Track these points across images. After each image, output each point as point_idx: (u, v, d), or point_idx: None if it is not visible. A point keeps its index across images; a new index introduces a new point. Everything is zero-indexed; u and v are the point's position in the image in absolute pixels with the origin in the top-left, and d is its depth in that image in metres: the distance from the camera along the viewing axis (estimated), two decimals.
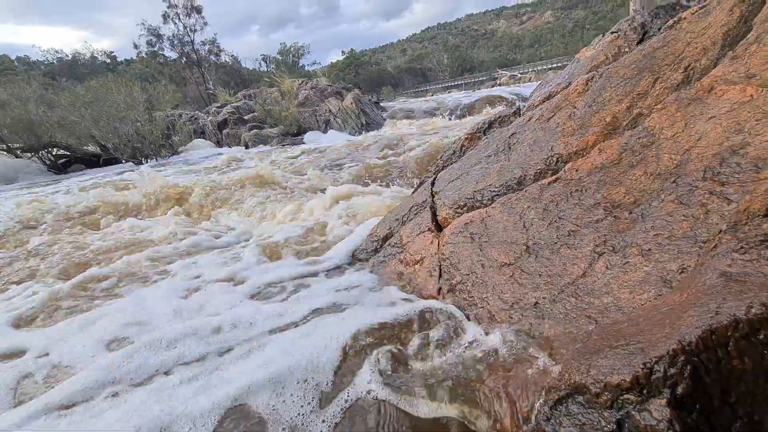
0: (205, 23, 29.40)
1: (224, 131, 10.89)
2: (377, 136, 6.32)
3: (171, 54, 31.04)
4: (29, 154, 10.01)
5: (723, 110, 0.81)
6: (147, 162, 9.46)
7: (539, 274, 0.94)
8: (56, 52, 56.63)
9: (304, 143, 9.15)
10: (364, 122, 9.50)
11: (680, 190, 0.81)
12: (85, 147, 10.31)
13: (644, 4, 16.56)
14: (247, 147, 9.80)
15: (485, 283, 1.04)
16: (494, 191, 1.25)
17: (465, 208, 1.33)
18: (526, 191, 1.13)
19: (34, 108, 9.67)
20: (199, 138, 11.60)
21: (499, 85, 34.21)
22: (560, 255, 0.93)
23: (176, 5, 28.22)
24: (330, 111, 9.96)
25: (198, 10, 28.86)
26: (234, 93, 20.23)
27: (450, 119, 8.69)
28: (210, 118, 11.68)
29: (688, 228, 0.75)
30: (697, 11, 1.09)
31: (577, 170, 1.03)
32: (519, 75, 33.12)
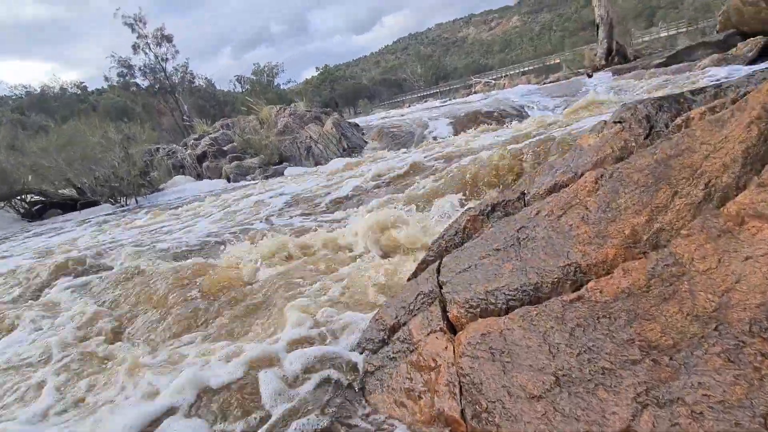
0: (177, 51, 29.15)
1: (204, 164, 10.73)
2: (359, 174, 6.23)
3: (144, 82, 30.64)
4: (0, 204, 9.66)
5: (760, 252, 0.76)
6: (127, 203, 9.23)
7: (576, 418, 0.88)
8: (24, 87, 55.35)
9: (283, 175, 9.05)
10: (345, 146, 9.47)
11: (725, 343, 0.76)
12: (60, 191, 10.01)
13: (608, 8, 16.98)
14: (228, 180, 9.65)
15: (516, 418, 0.97)
16: (509, 296, 1.20)
17: (478, 310, 1.26)
18: (546, 306, 1.07)
19: (4, 156, 9.37)
20: (179, 173, 11.40)
21: (475, 92, 34.74)
22: (597, 397, 0.87)
23: (146, 36, 27.92)
24: (311, 137, 9.90)
25: (168, 39, 28.63)
26: (211, 122, 20.04)
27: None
28: (188, 151, 11.51)
29: (743, 394, 0.70)
30: (705, 113, 1.06)
31: (601, 291, 0.97)
32: (493, 82, 33.66)
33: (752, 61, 8.17)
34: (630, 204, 1.03)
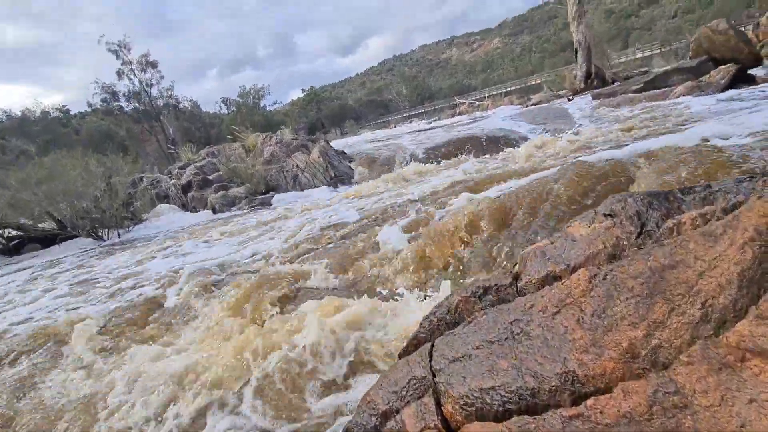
0: (162, 77, 29.18)
1: (189, 194, 10.60)
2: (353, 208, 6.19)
3: (128, 107, 30.52)
4: None
5: (764, 396, 0.74)
6: (109, 237, 9.01)
7: None
8: (4, 111, 54.63)
9: (271, 204, 8.99)
10: (333, 175, 9.46)
11: None
12: (40, 225, 9.75)
13: (585, 33, 17.49)
14: (214, 211, 9.53)
15: None
16: (505, 398, 1.16)
17: (473, 409, 1.22)
18: (545, 420, 1.03)
19: None
20: (164, 202, 11.23)
21: (459, 113, 35.39)
22: None
23: (131, 62, 27.93)
24: (297, 166, 9.88)
25: (153, 65, 28.68)
26: (196, 146, 19.96)
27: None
28: (173, 181, 11.37)
29: None
30: (697, 218, 1.05)
31: (602, 412, 0.94)
32: (477, 103, 34.34)
33: (725, 89, 8.47)
34: (626, 314, 1.01)
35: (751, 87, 8.26)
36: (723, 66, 9.16)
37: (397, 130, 33.39)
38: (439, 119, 37.68)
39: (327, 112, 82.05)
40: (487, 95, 54.23)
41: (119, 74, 29.18)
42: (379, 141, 15.55)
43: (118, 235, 9.04)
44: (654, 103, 8.92)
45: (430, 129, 17.61)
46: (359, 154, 11.07)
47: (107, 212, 8.99)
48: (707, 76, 9.38)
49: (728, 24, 10.85)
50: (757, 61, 10.83)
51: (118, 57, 28.10)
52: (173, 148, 25.94)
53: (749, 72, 9.04)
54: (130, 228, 9.37)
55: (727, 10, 56.43)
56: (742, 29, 13.18)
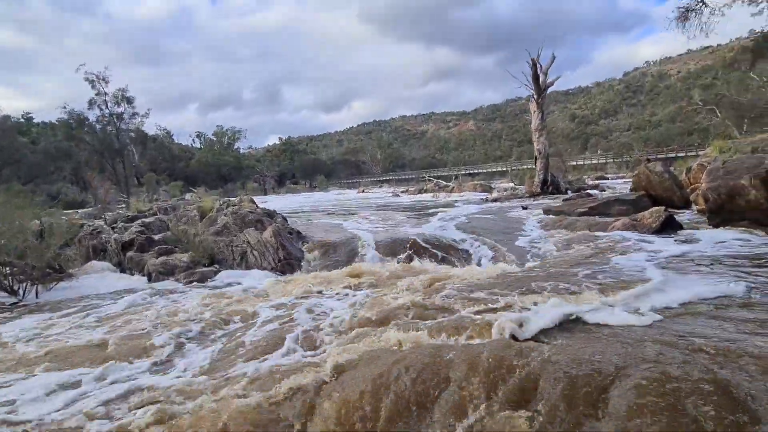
0: (135, 113, 28.87)
1: (128, 254, 10.04)
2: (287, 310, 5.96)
3: (92, 137, 29.64)
4: None
5: None
6: (26, 294, 8.26)
7: None
8: None
9: (213, 281, 8.64)
10: (281, 257, 9.29)
11: None
12: None
13: (545, 145, 18.98)
14: (149, 278, 9.03)
15: None
16: None
17: None
18: None
19: None
20: (100, 257, 10.57)
21: (425, 191, 36.56)
22: None
23: (106, 93, 27.63)
24: (248, 242, 9.68)
25: (129, 101, 28.46)
26: (159, 179, 19.32)
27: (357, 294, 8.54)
28: (114, 235, 10.80)
29: None
30: None
31: None
32: (444, 184, 35.72)
33: (657, 231, 9.19)
34: None
35: (680, 232, 9.03)
36: (655, 209, 10.01)
37: (364, 198, 34.05)
38: (408, 190, 38.82)
39: (300, 163, 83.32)
40: (455, 174, 56.98)
41: (91, 104, 28.65)
42: (340, 214, 15.68)
43: (36, 294, 8.30)
44: (595, 233, 9.54)
45: (393, 208, 18.03)
46: (315, 233, 11.06)
47: (36, 267, 8.31)
48: (643, 214, 10.20)
49: (664, 168, 12.08)
50: (687, 204, 11.95)
51: (93, 87, 27.72)
52: (124, 196, 25.06)
53: (676, 218, 9.90)
54: (52, 286, 8.64)
55: (673, 134, 63.56)
56: (674, 171, 14.69)
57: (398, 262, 8.27)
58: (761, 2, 19.98)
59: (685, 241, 7.64)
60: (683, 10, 7.73)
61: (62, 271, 9.42)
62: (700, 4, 7.89)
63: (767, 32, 24.94)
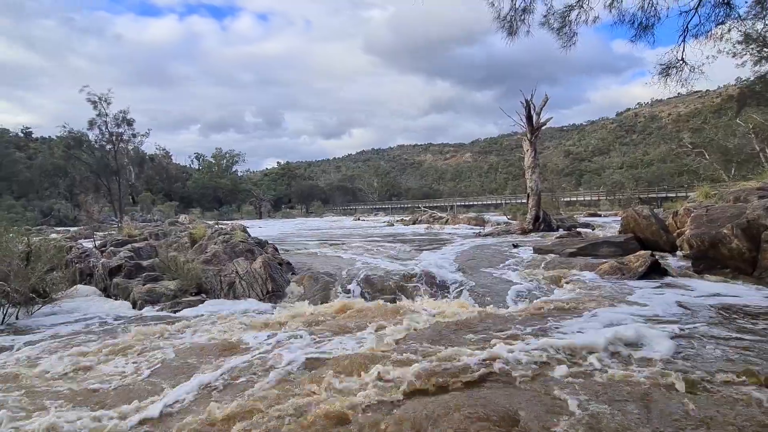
0: (134, 135, 29.22)
1: (115, 279, 9.97)
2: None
3: (89, 157, 29.84)
4: None
5: None
6: (5, 318, 8.14)
7: None
8: None
9: (198, 311, 8.55)
10: (270, 289, 9.26)
11: None
12: None
13: (537, 182, 19.28)
14: (134, 305, 8.93)
15: None
16: None
17: None
18: None
19: None
20: (87, 281, 10.48)
21: (419, 221, 36.70)
22: None
23: (107, 114, 28.03)
24: (237, 272, 9.65)
25: (129, 123, 28.84)
26: (157, 200, 19.32)
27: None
28: (102, 260, 10.74)
29: None
30: None
31: None
32: (438, 215, 35.88)
33: (642, 276, 9.28)
34: None
35: (665, 278, 9.13)
36: (642, 252, 10.14)
37: (358, 225, 34.14)
38: (403, 220, 38.96)
39: (297, 188, 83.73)
40: (450, 206, 57.47)
41: (91, 124, 28.97)
42: (333, 244, 15.66)
43: (17, 317, 8.18)
44: (581, 273, 9.60)
45: (387, 241, 18.06)
46: (304, 264, 11.03)
47: (18, 290, 8.22)
48: (629, 258, 10.31)
49: (650, 211, 12.30)
50: (674, 248, 12.10)
51: (95, 108, 28.13)
52: (116, 221, 25.04)
53: (662, 263, 10.01)
54: (34, 311, 8.52)
55: (664, 173, 64.76)
56: (663, 212, 14.93)
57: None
58: (744, 54, 20.96)
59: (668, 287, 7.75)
60: (664, 66, 8.11)
61: (46, 296, 9.31)
62: (680, 61, 8.26)
63: (751, 82, 26.03)
